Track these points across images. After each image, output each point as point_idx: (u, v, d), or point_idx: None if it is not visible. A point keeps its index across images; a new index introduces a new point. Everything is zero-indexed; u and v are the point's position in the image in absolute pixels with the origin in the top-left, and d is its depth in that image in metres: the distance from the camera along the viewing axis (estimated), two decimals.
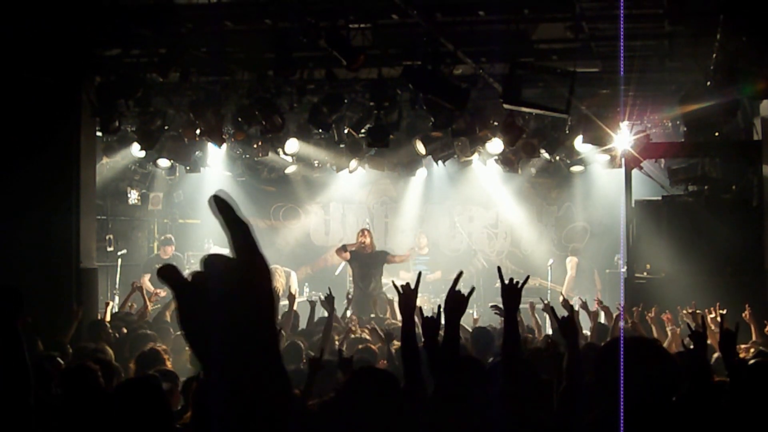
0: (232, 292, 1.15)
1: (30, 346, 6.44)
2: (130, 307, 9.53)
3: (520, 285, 3.90)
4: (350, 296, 9.40)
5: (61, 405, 3.43)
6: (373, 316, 9.44)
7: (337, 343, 7.37)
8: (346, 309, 9.05)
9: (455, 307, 3.74)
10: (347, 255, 11.87)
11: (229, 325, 1.14)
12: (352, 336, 7.60)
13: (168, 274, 1.17)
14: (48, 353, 6.17)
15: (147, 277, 12.10)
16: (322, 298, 7.63)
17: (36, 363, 4.93)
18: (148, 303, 9.42)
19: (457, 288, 3.78)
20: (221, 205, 1.16)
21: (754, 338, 7.13)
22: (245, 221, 1.17)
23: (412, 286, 3.99)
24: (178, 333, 7.68)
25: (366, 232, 12.03)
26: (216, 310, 1.14)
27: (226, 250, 1.23)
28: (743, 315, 7.26)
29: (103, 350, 6.32)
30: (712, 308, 7.26)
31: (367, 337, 7.46)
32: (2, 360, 2.99)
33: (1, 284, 2.99)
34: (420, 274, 4.47)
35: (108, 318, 8.63)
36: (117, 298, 10.88)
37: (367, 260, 11.73)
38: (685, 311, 7.56)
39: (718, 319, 6.90)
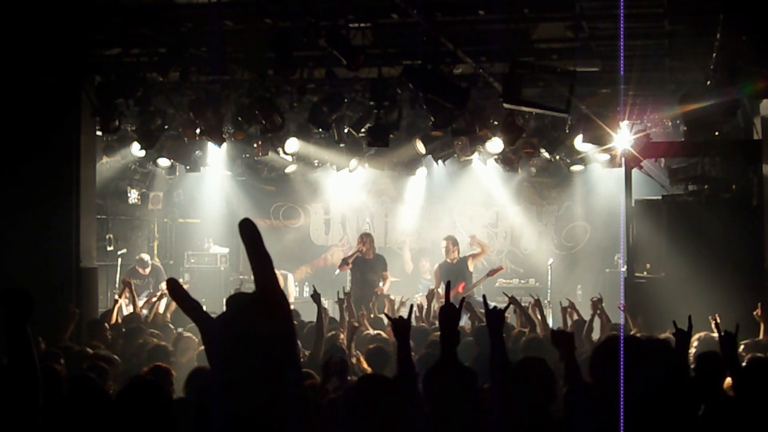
0: (255, 327, 1.20)
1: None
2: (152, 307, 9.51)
3: (503, 309, 4.20)
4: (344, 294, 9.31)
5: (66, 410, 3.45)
6: (372, 316, 9.43)
7: (343, 338, 7.38)
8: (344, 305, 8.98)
9: (450, 320, 3.83)
10: (349, 265, 11.91)
11: (253, 358, 1.19)
12: (364, 333, 7.62)
13: (175, 290, 1.23)
14: (53, 350, 6.20)
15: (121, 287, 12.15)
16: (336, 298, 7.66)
17: (42, 363, 4.97)
18: (137, 304, 9.48)
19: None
20: (249, 236, 1.23)
21: (761, 336, 7.12)
22: (268, 256, 1.23)
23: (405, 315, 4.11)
24: (179, 330, 7.70)
25: (365, 238, 12.02)
26: (240, 345, 1.19)
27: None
28: (755, 313, 7.26)
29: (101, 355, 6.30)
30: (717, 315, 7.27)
31: (382, 334, 7.47)
32: (13, 361, 3.02)
33: (13, 287, 3.01)
34: (411, 307, 4.90)
35: (114, 318, 8.64)
36: (119, 298, 10.88)
37: (366, 267, 11.77)
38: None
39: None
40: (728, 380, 4.55)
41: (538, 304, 8.71)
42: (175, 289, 1.24)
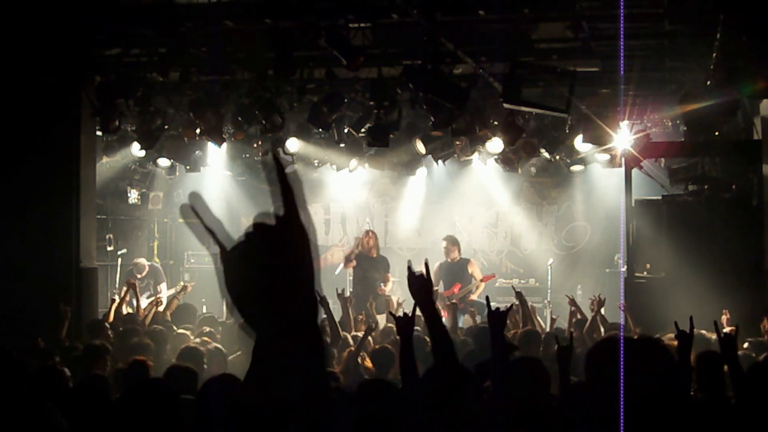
0: (273, 253, 1.21)
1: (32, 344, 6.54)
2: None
3: (504, 310, 4.15)
4: (345, 294, 9.30)
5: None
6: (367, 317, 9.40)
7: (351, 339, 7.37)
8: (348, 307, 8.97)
9: (422, 290, 3.73)
10: (354, 263, 11.83)
11: (271, 284, 1.20)
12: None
13: (196, 204, 1.23)
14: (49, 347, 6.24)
15: (124, 290, 12.14)
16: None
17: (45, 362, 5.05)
18: (140, 303, 9.49)
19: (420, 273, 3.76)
20: (279, 170, 1.26)
21: (766, 338, 7.11)
22: (293, 189, 1.26)
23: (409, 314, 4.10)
24: (179, 332, 7.71)
25: (371, 233, 12.01)
26: (258, 272, 1.20)
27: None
28: (762, 325, 7.23)
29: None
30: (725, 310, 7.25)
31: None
32: (19, 411, 3.07)
33: None
34: (416, 305, 4.84)
35: (111, 317, 8.65)
36: (117, 297, 10.91)
37: (369, 265, 11.71)
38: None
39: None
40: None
41: (519, 296, 8.62)
42: (197, 202, 1.23)
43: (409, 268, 3.70)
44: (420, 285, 3.68)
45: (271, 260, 1.22)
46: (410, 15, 7.52)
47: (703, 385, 4.58)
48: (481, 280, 11.91)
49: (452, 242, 12.04)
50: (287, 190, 1.26)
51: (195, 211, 1.25)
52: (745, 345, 6.41)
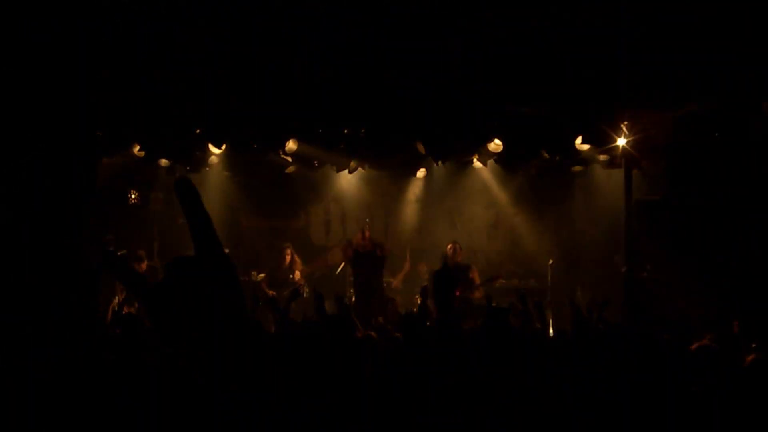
0: (196, 286, 1.19)
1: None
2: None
3: (506, 309, 4.37)
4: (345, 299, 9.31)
5: None
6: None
7: None
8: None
9: (446, 281, 3.80)
10: (350, 252, 11.84)
11: (198, 315, 1.18)
12: None
13: (113, 266, 1.21)
14: None
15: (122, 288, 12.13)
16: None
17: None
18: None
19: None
20: (187, 196, 1.20)
21: None
22: (205, 214, 1.20)
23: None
24: None
25: (365, 232, 12.04)
26: (184, 305, 1.18)
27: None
28: None
29: None
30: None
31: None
32: None
33: None
34: (422, 302, 4.94)
35: (109, 317, 8.66)
36: (117, 299, 10.90)
37: (365, 261, 11.71)
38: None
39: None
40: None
41: (522, 298, 8.63)
42: (112, 264, 1.21)
43: (445, 267, 3.80)
44: (446, 280, 3.80)
45: (194, 292, 1.20)
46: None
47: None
48: (487, 280, 11.95)
49: (458, 246, 12.09)
50: (204, 218, 1.21)
51: (112, 272, 1.24)
52: (753, 345, 6.40)
